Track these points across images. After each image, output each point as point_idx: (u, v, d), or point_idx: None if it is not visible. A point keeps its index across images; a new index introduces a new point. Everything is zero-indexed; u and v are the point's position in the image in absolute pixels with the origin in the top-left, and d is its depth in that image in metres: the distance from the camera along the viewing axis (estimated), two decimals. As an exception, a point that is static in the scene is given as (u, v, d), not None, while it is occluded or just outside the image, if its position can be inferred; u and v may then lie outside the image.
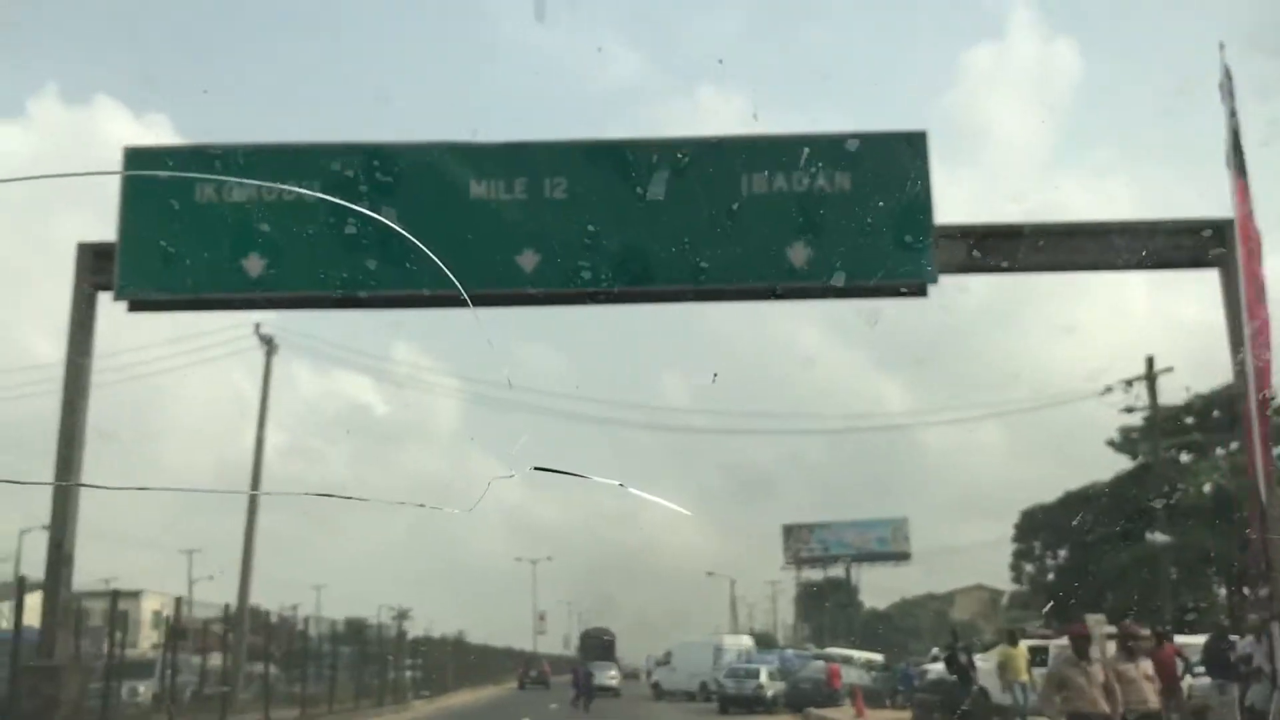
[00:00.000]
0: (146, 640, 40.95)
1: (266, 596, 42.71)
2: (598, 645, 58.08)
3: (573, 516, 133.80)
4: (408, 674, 37.60)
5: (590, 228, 16.40)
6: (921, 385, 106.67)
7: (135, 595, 40.43)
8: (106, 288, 16.81)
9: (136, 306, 16.84)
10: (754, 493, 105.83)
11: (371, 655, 33.92)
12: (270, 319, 30.51)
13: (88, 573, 31.29)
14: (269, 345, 30.50)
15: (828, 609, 73.23)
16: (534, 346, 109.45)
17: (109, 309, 16.91)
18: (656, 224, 16.33)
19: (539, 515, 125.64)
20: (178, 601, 25.83)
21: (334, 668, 29.97)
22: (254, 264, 15.98)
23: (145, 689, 24.19)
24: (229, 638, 27.35)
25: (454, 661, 46.57)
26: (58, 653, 16.31)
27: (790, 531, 69.75)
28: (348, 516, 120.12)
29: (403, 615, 69.10)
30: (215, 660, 26.69)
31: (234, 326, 30.86)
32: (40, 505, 18.81)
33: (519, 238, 16.41)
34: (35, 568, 20.90)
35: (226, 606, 27.32)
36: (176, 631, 24.50)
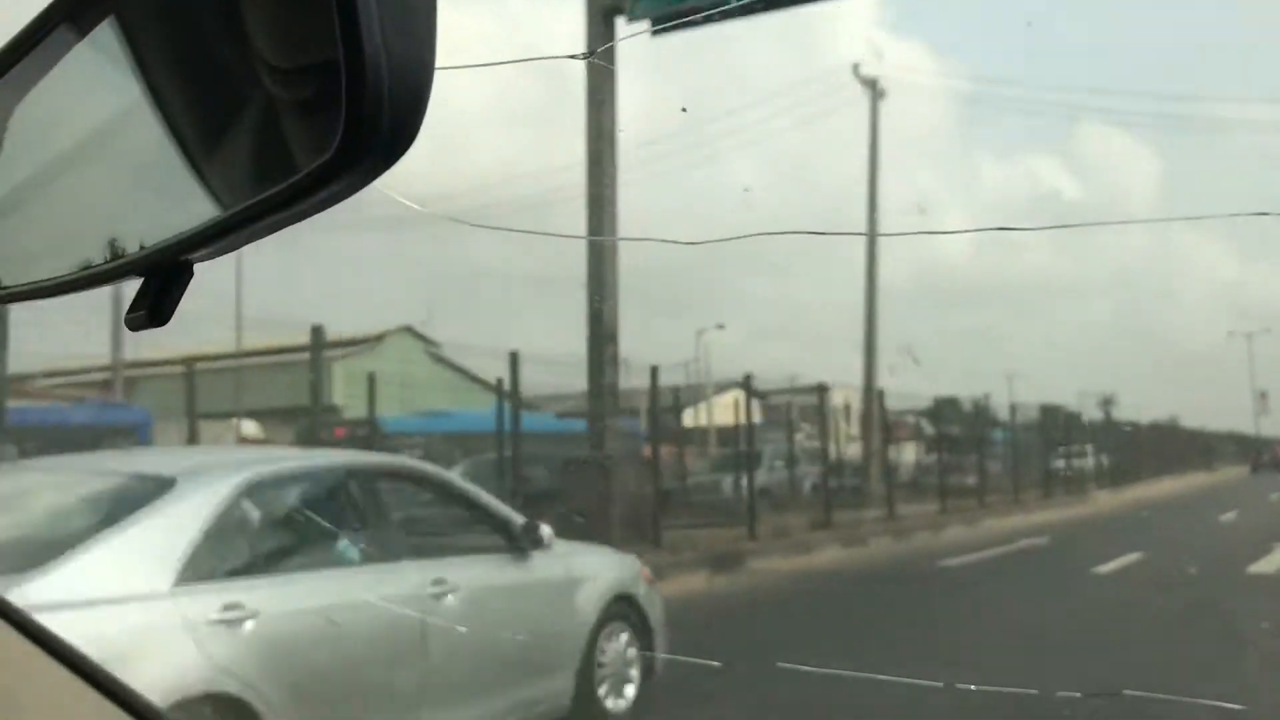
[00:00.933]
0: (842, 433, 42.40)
1: (960, 387, 43.50)
2: None
3: None
4: (1090, 461, 36.85)
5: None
6: None
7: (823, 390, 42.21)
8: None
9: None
10: None
11: (1056, 442, 33.21)
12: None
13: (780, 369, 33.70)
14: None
15: None
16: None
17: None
18: None
19: (1262, 290, 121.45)
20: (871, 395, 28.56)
21: (1005, 457, 30.12)
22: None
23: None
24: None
25: (1157, 447, 46.11)
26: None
27: None
28: (1049, 306, 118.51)
29: (1108, 401, 67.75)
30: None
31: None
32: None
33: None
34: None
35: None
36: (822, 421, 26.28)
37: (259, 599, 4.18)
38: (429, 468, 6.56)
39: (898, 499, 22.31)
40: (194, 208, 0.72)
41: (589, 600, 5.75)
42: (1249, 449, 61.04)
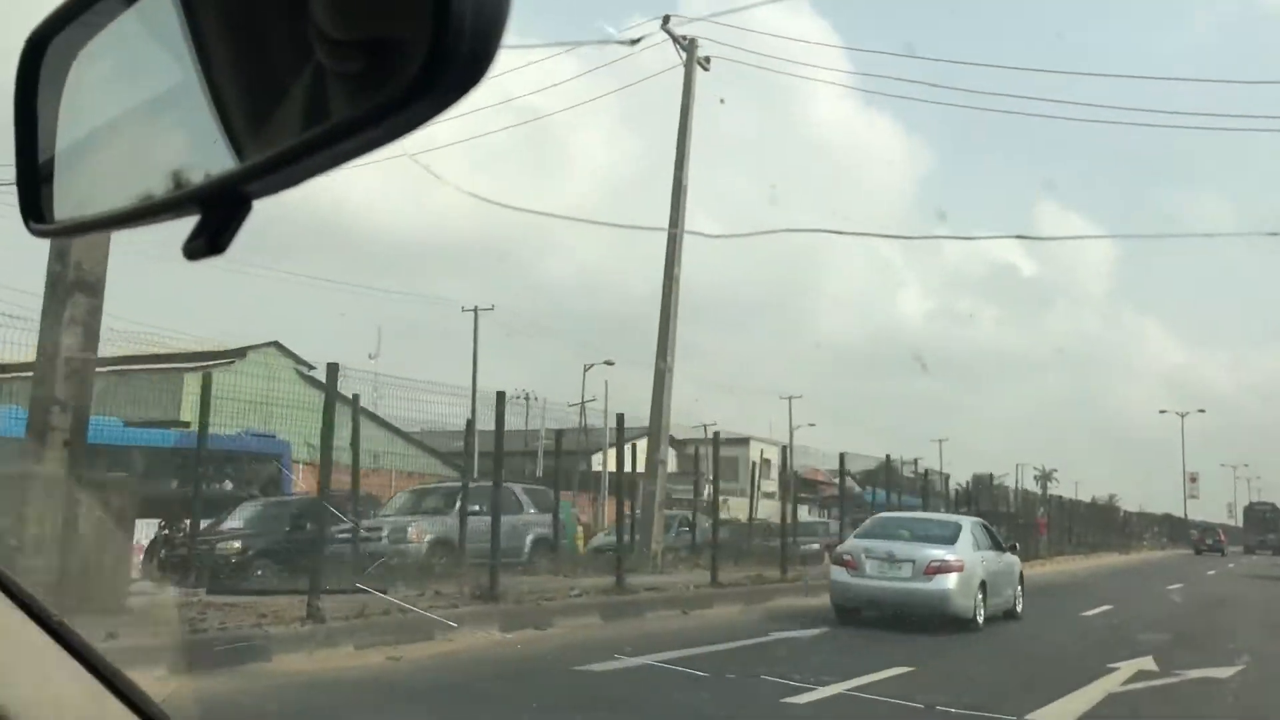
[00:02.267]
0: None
1: (896, 449, 44.09)
2: (1259, 519, 57.06)
3: (1243, 379, 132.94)
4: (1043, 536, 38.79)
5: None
6: None
7: (743, 442, 41.63)
8: None
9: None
10: None
11: (1000, 515, 33.62)
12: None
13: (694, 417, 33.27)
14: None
15: None
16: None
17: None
18: None
19: (1203, 377, 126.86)
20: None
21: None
22: None
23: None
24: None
25: (1095, 524, 48.56)
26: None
27: None
28: (996, 380, 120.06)
29: (1046, 475, 67.70)
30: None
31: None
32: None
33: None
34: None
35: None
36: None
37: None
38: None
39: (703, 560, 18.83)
40: (255, 142, 0.76)
41: None
42: (1181, 530, 62.37)
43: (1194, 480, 73.51)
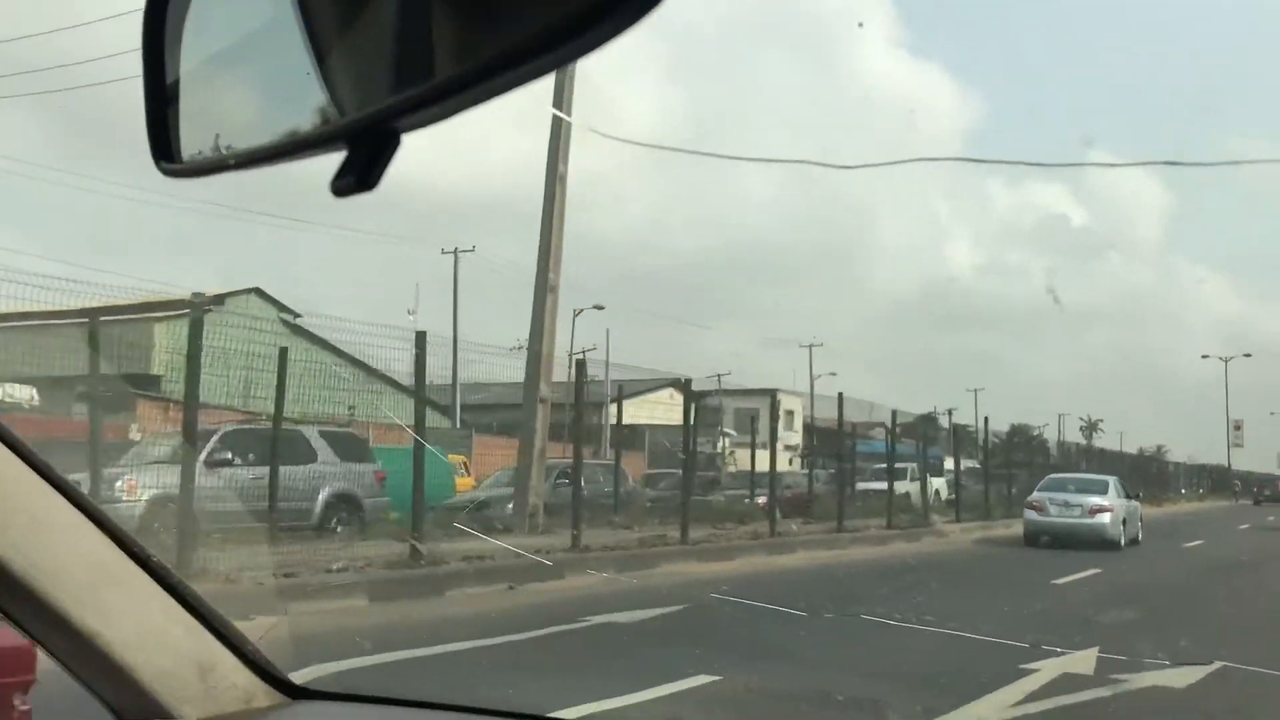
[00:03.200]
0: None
1: (941, 401, 45.64)
2: None
3: None
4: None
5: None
6: None
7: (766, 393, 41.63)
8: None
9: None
10: None
11: (1036, 465, 33.57)
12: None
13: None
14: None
15: None
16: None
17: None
18: None
19: (1258, 328, 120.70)
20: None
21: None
22: None
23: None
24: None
25: (1135, 476, 45.55)
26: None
27: None
28: (1048, 333, 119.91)
29: (1092, 426, 66.72)
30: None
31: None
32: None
33: None
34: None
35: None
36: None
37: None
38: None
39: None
40: (404, 74, 0.74)
41: None
42: (1225, 480, 61.81)
43: (1238, 428, 71.20)
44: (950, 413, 32.93)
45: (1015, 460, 32.66)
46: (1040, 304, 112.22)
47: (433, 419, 28.79)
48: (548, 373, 17.75)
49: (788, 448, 30.86)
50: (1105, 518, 20.77)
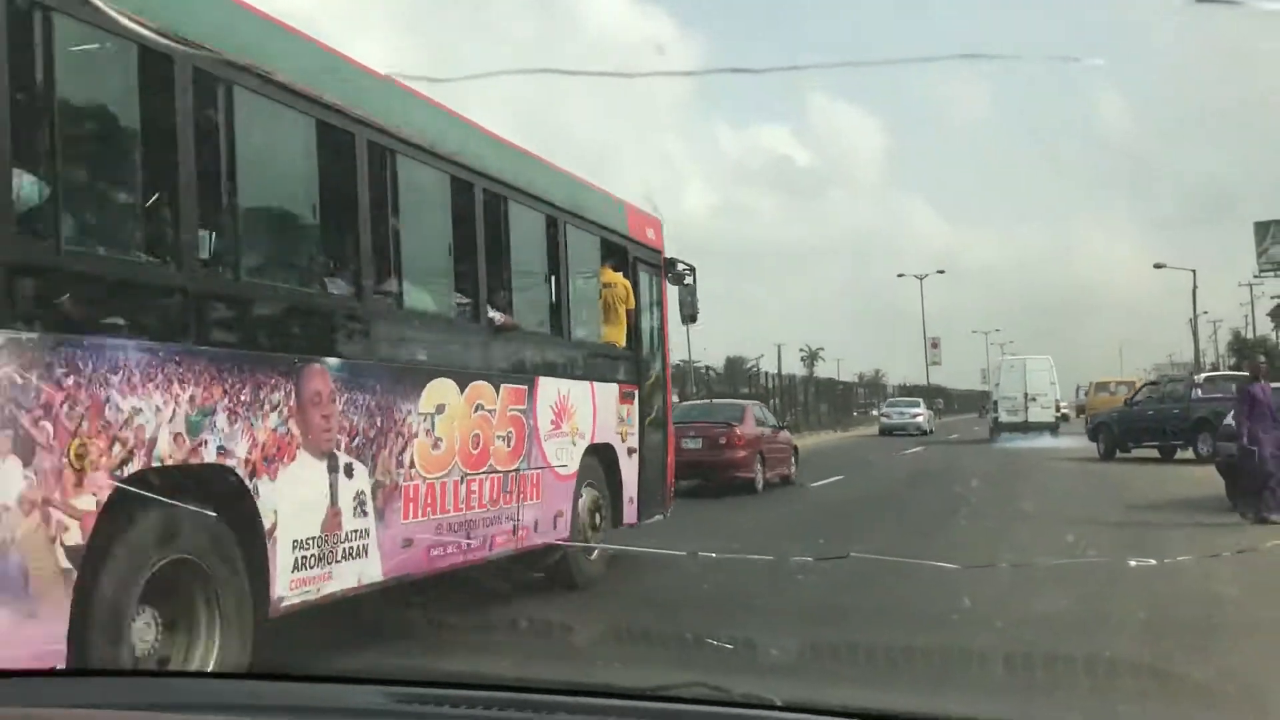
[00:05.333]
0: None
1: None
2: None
3: (1006, 255, 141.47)
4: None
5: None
6: None
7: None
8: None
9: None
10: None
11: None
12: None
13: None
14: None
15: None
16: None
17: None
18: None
19: (970, 258, 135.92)
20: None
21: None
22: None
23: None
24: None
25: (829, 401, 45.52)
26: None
27: (1267, 230, 54.16)
28: (783, 273, 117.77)
29: (813, 355, 69.29)
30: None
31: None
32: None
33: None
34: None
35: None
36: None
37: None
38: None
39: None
40: None
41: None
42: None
43: (935, 346, 70.54)
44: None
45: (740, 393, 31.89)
46: (768, 240, 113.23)
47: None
48: None
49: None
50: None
